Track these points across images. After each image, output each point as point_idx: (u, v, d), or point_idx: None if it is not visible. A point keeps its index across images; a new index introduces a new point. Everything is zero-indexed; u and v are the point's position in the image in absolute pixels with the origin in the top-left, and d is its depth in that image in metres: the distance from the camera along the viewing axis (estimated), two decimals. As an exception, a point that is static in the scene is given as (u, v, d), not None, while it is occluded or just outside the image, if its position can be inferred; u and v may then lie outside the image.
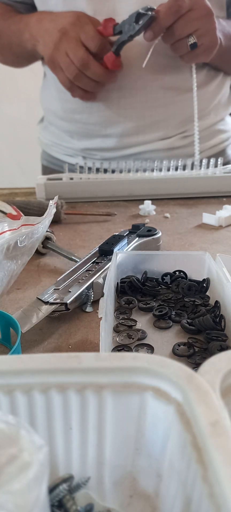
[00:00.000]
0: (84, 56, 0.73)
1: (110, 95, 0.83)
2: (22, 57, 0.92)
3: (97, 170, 0.85)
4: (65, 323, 0.42)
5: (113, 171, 0.85)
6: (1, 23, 0.88)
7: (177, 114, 0.86)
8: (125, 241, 0.54)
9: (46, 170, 0.99)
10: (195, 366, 0.34)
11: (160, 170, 0.84)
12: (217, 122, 0.91)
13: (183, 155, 0.87)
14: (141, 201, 0.77)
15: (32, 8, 0.87)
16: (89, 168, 0.84)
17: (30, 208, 0.69)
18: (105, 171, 0.85)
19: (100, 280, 0.45)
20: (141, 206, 0.76)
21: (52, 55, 0.77)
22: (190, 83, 0.82)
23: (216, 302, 0.41)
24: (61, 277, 0.46)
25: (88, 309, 0.44)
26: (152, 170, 0.84)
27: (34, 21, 0.81)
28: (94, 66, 0.75)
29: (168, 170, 0.84)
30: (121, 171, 0.84)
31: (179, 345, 0.37)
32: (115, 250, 0.48)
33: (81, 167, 0.86)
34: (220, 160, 0.83)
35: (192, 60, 0.77)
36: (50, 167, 0.98)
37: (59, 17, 0.76)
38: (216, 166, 0.84)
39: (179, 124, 0.87)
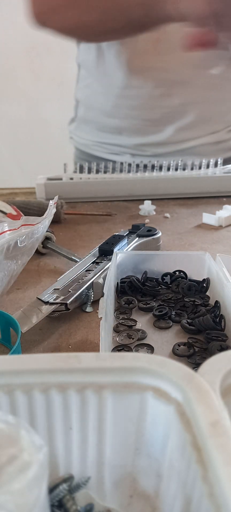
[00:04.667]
0: None
1: (174, 91, 0.83)
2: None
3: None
4: (65, 323, 0.42)
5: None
6: None
7: (229, 109, 0.87)
8: (125, 241, 0.54)
9: None
10: (195, 366, 0.34)
11: (160, 169, 0.84)
12: None
13: (228, 148, 0.88)
14: (141, 201, 0.77)
15: None
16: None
17: (30, 208, 0.69)
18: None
19: (100, 280, 0.45)
20: (141, 206, 0.76)
21: None
22: None
23: (216, 302, 0.41)
24: (61, 277, 0.46)
25: (88, 309, 0.44)
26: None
27: None
28: None
29: (168, 170, 0.84)
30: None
31: (179, 345, 0.37)
32: (115, 250, 0.48)
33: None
34: (220, 160, 0.83)
35: None
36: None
37: None
38: (216, 166, 0.84)
39: (227, 118, 0.88)
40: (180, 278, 0.46)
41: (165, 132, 0.87)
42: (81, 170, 0.84)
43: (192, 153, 0.88)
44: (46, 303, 0.41)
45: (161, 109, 0.86)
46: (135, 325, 0.40)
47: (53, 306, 0.41)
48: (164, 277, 0.47)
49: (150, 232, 0.57)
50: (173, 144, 0.88)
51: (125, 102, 0.87)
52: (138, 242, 0.54)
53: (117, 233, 0.57)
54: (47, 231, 0.55)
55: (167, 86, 0.83)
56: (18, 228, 0.43)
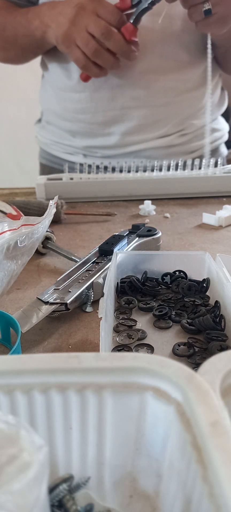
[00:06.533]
0: (106, 26, 0.72)
1: (115, 95, 0.84)
2: (28, 49, 0.89)
3: (98, 167, 0.85)
4: (65, 323, 0.42)
5: (113, 169, 0.85)
6: (5, 15, 0.86)
7: (176, 113, 0.88)
8: (125, 241, 0.54)
9: (45, 169, 0.99)
10: (195, 366, 0.34)
11: (160, 169, 0.84)
12: (212, 121, 0.92)
13: (181, 152, 0.89)
14: (141, 201, 0.77)
15: (34, 4, 0.87)
16: (90, 166, 0.85)
17: (30, 208, 0.69)
18: (105, 168, 0.85)
19: (100, 280, 0.45)
20: (141, 206, 0.76)
21: (67, 31, 0.75)
22: (189, 83, 0.86)
23: (216, 302, 0.41)
24: (61, 277, 0.46)
25: (88, 309, 0.44)
26: (152, 170, 0.84)
27: (45, 8, 0.80)
28: (117, 35, 0.72)
29: (168, 170, 0.84)
30: (121, 170, 0.84)
31: (179, 345, 0.37)
32: (115, 250, 0.48)
33: (81, 164, 0.86)
34: (220, 160, 0.84)
35: (205, 28, 0.76)
36: (49, 166, 0.98)
37: None
38: (216, 166, 0.84)
39: (177, 123, 0.89)
40: (180, 278, 0.46)
41: (111, 135, 0.89)
42: (81, 168, 0.85)
43: (141, 156, 0.88)
44: (46, 303, 0.41)
45: (104, 113, 0.87)
46: (135, 325, 0.40)
47: (53, 306, 0.41)
48: (164, 277, 0.47)
49: (150, 232, 0.57)
50: (120, 147, 0.89)
51: (71, 106, 0.88)
52: (138, 242, 0.54)
53: (117, 233, 0.57)
54: (47, 231, 0.55)
55: (108, 89, 0.84)
56: (18, 228, 0.43)
